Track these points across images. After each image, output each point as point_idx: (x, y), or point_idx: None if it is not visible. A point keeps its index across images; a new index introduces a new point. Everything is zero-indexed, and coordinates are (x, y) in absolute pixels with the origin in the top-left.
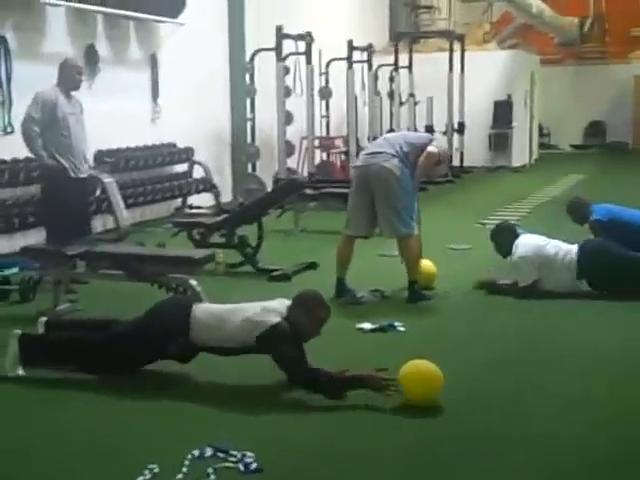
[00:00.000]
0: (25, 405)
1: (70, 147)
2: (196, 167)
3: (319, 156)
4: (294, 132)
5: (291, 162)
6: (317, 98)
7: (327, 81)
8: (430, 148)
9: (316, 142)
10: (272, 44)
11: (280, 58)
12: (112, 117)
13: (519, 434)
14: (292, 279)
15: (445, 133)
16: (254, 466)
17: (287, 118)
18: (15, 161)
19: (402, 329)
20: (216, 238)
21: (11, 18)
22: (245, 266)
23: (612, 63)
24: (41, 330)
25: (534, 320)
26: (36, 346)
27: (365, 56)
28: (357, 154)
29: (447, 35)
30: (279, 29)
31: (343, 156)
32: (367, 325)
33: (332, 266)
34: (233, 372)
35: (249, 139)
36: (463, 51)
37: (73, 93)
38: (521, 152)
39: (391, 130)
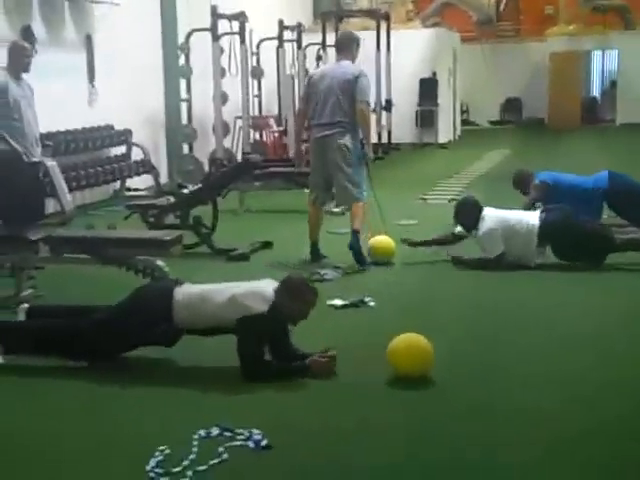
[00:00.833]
0: (16, 394)
1: (22, 131)
2: (134, 149)
3: (252, 136)
4: (228, 112)
5: (225, 142)
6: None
7: (258, 61)
8: (360, 106)
9: (249, 122)
10: (203, 24)
11: (216, 38)
12: (49, 100)
13: (510, 407)
14: (250, 258)
15: (374, 111)
16: (264, 443)
17: (222, 98)
18: None
19: (372, 304)
20: (170, 219)
21: None
22: (201, 247)
23: (528, 41)
24: (22, 317)
25: (495, 289)
26: (16, 334)
27: (293, 35)
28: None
29: (374, 14)
30: (214, 9)
31: (276, 135)
32: (338, 301)
33: (284, 245)
34: (214, 354)
35: (185, 120)
36: (389, 29)
37: (24, 76)
38: (446, 128)
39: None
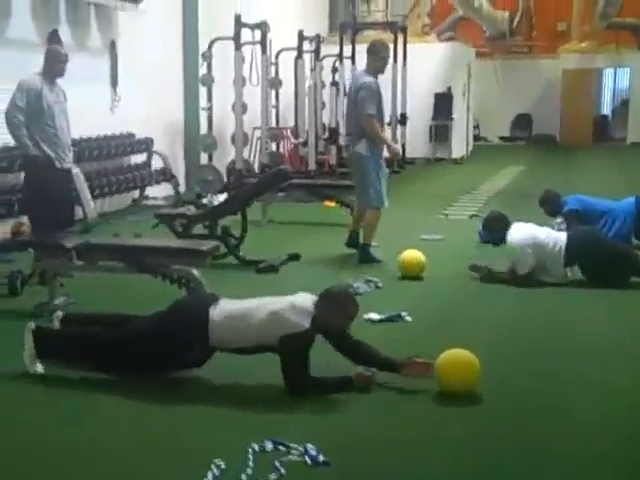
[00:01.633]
0: (63, 410)
1: (55, 137)
2: (154, 157)
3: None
4: (246, 122)
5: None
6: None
7: (277, 71)
8: (361, 120)
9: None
10: (223, 33)
11: (238, 47)
12: (72, 105)
13: (563, 420)
14: (279, 270)
15: (389, 124)
16: (322, 458)
17: (242, 108)
18: None
19: (409, 319)
20: (198, 229)
21: None
22: (228, 257)
23: (540, 57)
24: (57, 325)
25: (533, 306)
26: (51, 341)
27: (311, 46)
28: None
29: (391, 26)
30: (238, 18)
31: (291, 147)
32: (374, 315)
33: (310, 257)
34: (244, 369)
35: (206, 129)
36: (405, 43)
37: (58, 81)
38: (460, 144)
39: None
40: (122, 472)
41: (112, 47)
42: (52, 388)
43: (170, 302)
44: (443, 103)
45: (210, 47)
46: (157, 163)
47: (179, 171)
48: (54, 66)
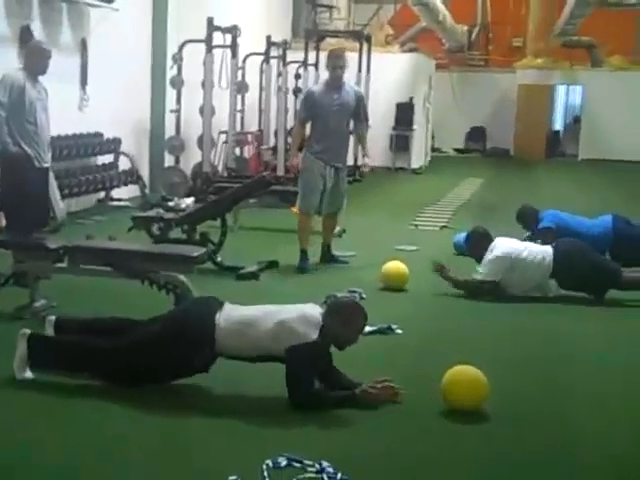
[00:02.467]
0: (65, 421)
1: (35, 135)
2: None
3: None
4: (212, 126)
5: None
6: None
7: (243, 75)
8: None
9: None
10: (192, 36)
11: (210, 50)
12: None
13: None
14: (259, 277)
15: (351, 133)
16: (339, 476)
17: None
18: None
19: (399, 331)
20: (175, 234)
21: None
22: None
23: (496, 71)
24: (50, 330)
25: (522, 317)
26: (46, 348)
27: (278, 52)
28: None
29: (356, 35)
30: (210, 21)
31: (254, 151)
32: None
33: (287, 263)
34: (252, 383)
35: (174, 131)
36: (370, 52)
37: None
38: (419, 154)
39: None
40: None
41: (83, 45)
42: (45, 396)
43: (158, 313)
44: (404, 113)
45: (181, 49)
46: (123, 164)
47: (143, 173)
48: (39, 63)
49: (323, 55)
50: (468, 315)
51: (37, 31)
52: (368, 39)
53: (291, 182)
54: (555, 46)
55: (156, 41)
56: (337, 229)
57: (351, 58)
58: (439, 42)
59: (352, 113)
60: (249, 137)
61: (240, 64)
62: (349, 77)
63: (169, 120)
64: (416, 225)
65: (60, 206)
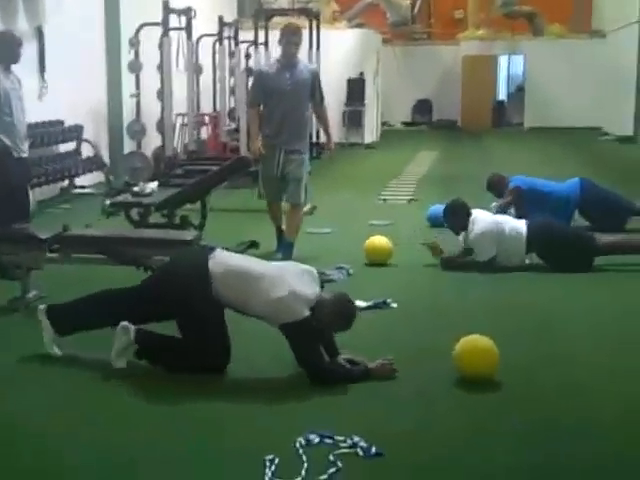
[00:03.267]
0: (95, 412)
1: (12, 125)
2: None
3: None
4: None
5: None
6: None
7: (197, 57)
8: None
9: (186, 119)
10: (147, 19)
11: (166, 33)
12: None
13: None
14: None
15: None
16: (374, 450)
17: (162, 94)
18: None
19: (394, 305)
20: (157, 218)
21: None
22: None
23: (440, 44)
24: (45, 321)
25: (510, 289)
26: (64, 313)
27: (230, 32)
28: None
29: (305, 12)
30: (166, 3)
31: (211, 132)
32: (360, 302)
33: (267, 244)
34: (270, 363)
35: (131, 116)
36: (319, 29)
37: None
38: (371, 129)
39: None
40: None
41: (39, 33)
42: (69, 387)
43: None
44: (356, 89)
45: (137, 33)
46: (86, 151)
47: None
48: (10, 51)
49: (273, 34)
50: (457, 287)
51: None
52: (317, 16)
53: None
54: (496, 17)
55: (110, 26)
56: (307, 207)
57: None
58: (383, 17)
59: (308, 93)
60: (206, 119)
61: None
62: (300, 55)
63: (126, 105)
64: (384, 199)
65: (30, 196)
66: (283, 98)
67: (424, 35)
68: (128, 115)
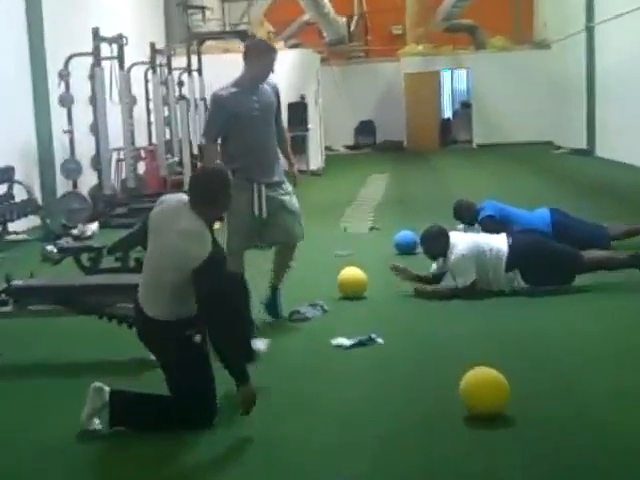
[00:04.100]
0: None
1: None
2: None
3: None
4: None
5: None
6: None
7: (130, 87)
8: None
9: (122, 154)
10: (74, 49)
11: (98, 62)
12: None
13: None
14: None
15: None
16: None
17: (96, 128)
18: None
19: (381, 340)
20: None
21: None
22: None
23: (379, 62)
24: None
25: (498, 316)
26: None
27: (162, 59)
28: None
29: (240, 35)
30: (96, 31)
31: (150, 167)
32: (344, 340)
33: None
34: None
35: (68, 153)
36: None
37: None
38: (316, 155)
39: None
40: None
41: None
42: None
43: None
44: (297, 113)
45: (67, 64)
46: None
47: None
48: None
49: (206, 59)
50: (440, 316)
51: None
52: (253, 39)
53: None
54: (436, 32)
55: (34, 58)
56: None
57: (237, 59)
58: (320, 36)
59: (274, 115)
60: (142, 153)
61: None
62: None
63: (58, 141)
64: (345, 228)
65: None
66: (251, 126)
67: (361, 53)
68: (59, 152)
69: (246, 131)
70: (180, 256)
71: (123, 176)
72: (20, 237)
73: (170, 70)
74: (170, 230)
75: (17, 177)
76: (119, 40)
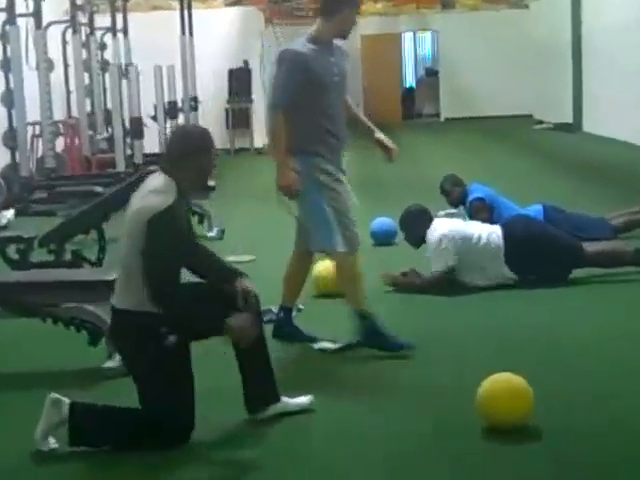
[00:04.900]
0: None
1: None
2: None
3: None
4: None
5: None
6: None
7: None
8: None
9: (37, 130)
10: None
11: (13, 20)
12: None
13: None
14: None
15: (182, 110)
16: None
17: (9, 98)
18: None
19: None
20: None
21: None
22: None
23: None
24: None
25: (493, 310)
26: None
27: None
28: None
29: None
30: None
31: (69, 144)
32: (328, 344)
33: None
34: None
35: None
36: (190, 9)
37: None
38: (262, 129)
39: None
40: None
41: None
42: None
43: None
44: (240, 81)
45: None
46: None
47: None
48: None
49: (133, 17)
50: (430, 313)
51: None
52: None
53: None
54: None
55: None
56: (215, 230)
57: (168, 19)
58: None
59: None
60: (60, 127)
61: None
62: (169, 43)
63: None
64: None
65: None
66: (332, 95)
67: (310, 12)
68: None
69: (325, 102)
70: (138, 217)
71: (39, 155)
72: None
73: (92, 30)
74: (133, 205)
75: None
76: None
